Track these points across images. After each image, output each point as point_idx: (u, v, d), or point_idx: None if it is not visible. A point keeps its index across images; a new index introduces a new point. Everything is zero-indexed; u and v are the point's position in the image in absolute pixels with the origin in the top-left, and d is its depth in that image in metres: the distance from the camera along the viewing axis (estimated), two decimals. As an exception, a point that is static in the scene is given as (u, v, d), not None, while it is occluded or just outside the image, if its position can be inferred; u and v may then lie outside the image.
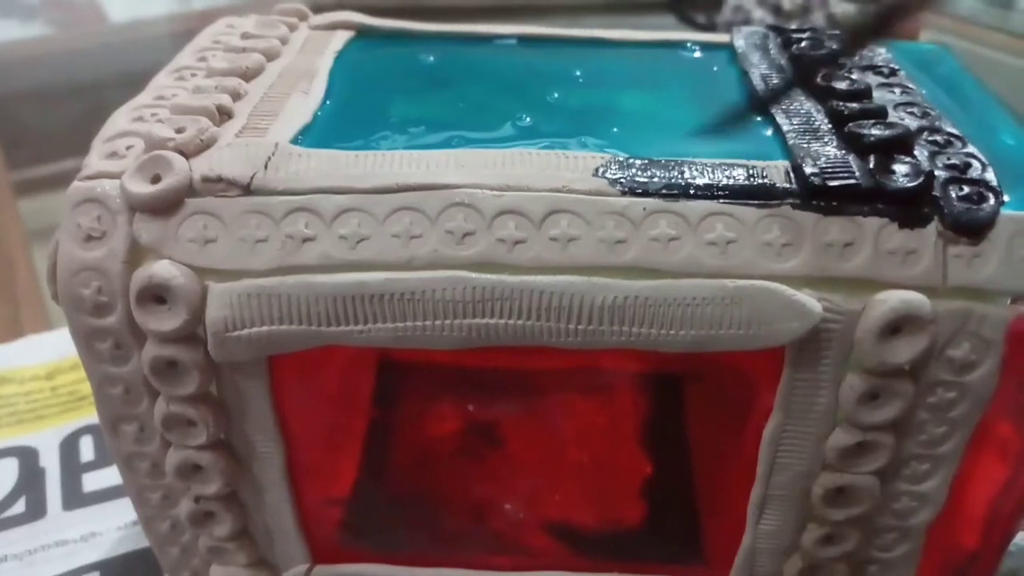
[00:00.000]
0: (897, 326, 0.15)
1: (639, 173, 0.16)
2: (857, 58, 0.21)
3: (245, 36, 0.21)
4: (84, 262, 0.15)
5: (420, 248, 0.15)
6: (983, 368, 0.16)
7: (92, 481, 0.25)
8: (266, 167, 0.16)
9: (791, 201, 0.15)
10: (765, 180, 0.16)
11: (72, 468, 0.26)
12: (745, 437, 0.18)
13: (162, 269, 0.15)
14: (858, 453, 0.16)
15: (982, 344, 0.15)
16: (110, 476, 0.25)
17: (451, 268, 0.15)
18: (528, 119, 0.18)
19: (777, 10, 0.57)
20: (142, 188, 0.15)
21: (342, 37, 0.22)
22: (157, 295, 0.15)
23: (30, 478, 0.25)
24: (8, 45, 0.61)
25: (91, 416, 0.27)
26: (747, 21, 0.54)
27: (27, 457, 0.26)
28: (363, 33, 0.22)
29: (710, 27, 0.59)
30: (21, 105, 0.55)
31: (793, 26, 0.22)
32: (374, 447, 0.24)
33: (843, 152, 0.16)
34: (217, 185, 0.16)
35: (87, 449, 0.26)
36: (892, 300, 0.15)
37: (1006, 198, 0.16)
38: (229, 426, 0.17)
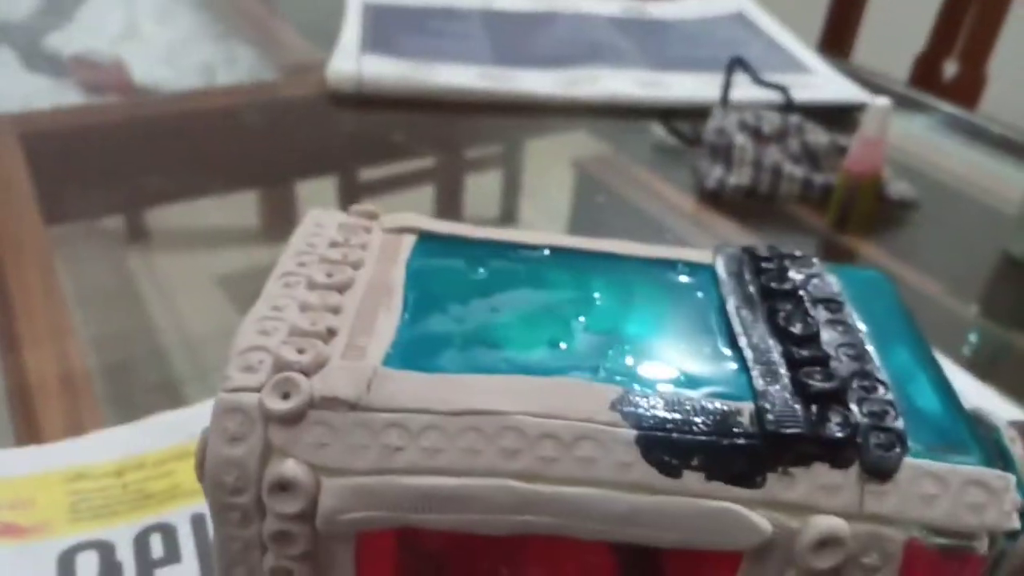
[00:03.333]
0: (824, 542, 0.21)
1: (644, 408, 0.21)
2: (812, 290, 0.26)
3: (334, 244, 0.26)
4: (228, 458, 0.21)
5: (480, 461, 0.21)
6: (886, 571, 0.21)
7: (164, 576, 0.30)
8: (368, 389, 0.21)
9: (754, 442, 0.21)
10: (738, 420, 0.21)
11: (145, 563, 0.30)
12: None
13: (289, 468, 0.20)
14: (794, 623, 0.22)
15: (885, 555, 0.21)
16: (179, 572, 0.30)
17: (502, 477, 0.21)
18: (560, 343, 0.24)
19: (757, 134, 0.63)
20: (276, 405, 0.21)
21: (408, 243, 0.27)
22: (283, 486, 0.20)
23: (110, 571, 0.30)
24: (45, 114, 0.66)
25: (159, 514, 0.32)
26: (729, 146, 0.60)
27: (106, 551, 0.31)
28: (423, 237, 0.27)
29: (695, 140, 0.66)
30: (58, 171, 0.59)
31: (763, 253, 0.28)
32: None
33: (793, 400, 0.22)
34: (332, 402, 0.21)
35: (157, 546, 0.31)
36: (821, 524, 0.20)
37: (910, 445, 0.21)
38: (319, 574, 0.22)
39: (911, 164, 0.68)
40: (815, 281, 0.27)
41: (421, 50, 0.77)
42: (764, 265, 0.27)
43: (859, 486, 0.21)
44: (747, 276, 0.27)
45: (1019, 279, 0.55)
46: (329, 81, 0.69)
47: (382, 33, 0.79)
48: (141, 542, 0.31)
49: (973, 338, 0.49)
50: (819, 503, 0.21)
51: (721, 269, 0.27)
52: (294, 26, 0.89)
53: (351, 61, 0.71)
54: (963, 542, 0.21)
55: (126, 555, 0.31)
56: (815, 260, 0.28)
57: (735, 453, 0.21)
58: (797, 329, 0.24)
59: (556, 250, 0.28)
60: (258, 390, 0.21)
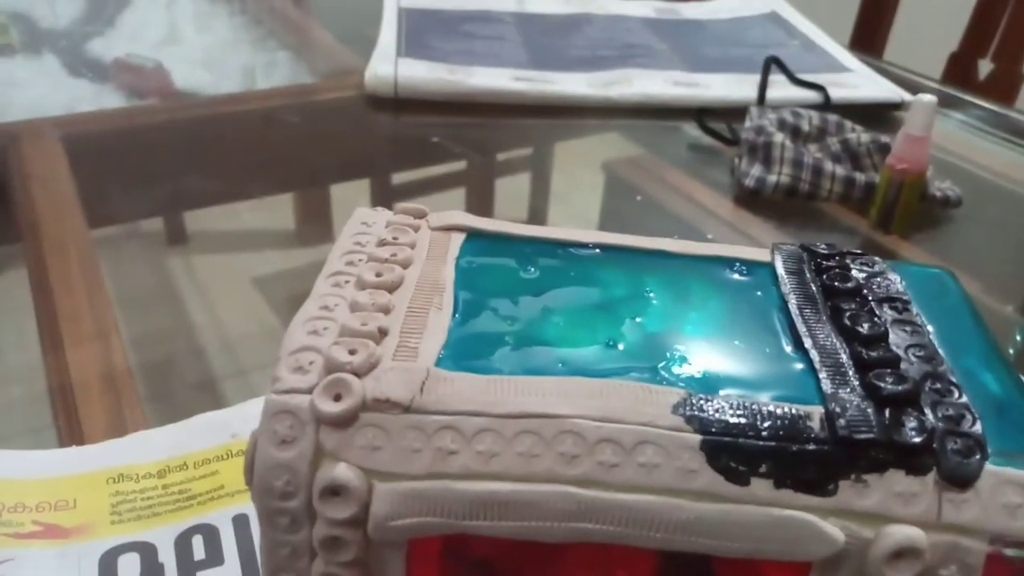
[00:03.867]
0: (900, 552, 0.20)
1: (708, 412, 0.20)
2: (876, 288, 0.25)
3: (382, 243, 0.25)
4: (278, 461, 0.20)
5: (538, 465, 0.20)
6: (965, 583, 0.20)
7: (206, 580, 0.30)
8: (421, 390, 0.20)
9: (826, 447, 0.20)
10: (808, 425, 0.20)
11: (186, 565, 0.30)
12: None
13: (341, 472, 0.20)
14: (865, 638, 0.21)
15: (965, 567, 0.20)
16: (221, 574, 0.29)
17: (561, 483, 0.20)
18: (616, 342, 0.23)
19: (796, 132, 0.62)
20: (328, 407, 0.20)
21: (457, 241, 0.26)
22: (335, 490, 0.20)
23: (151, 573, 0.30)
24: (87, 116, 0.66)
25: (200, 516, 0.32)
26: (768, 143, 0.59)
27: (147, 552, 0.30)
28: (472, 235, 0.27)
29: (734, 141, 0.64)
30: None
31: (824, 250, 0.27)
32: None
33: (865, 404, 0.21)
34: (385, 404, 0.20)
35: (199, 548, 0.31)
36: (897, 534, 0.19)
37: (990, 450, 0.20)
38: (369, 582, 0.22)
39: (951, 162, 0.67)
40: (879, 280, 0.26)
41: (456, 53, 0.76)
42: (825, 263, 0.26)
43: (937, 494, 0.20)
44: (808, 275, 0.26)
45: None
46: (367, 84, 0.69)
47: (418, 37, 0.79)
48: (183, 543, 0.31)
49: (1019, 337, 0.48)
50: (894, 512, 0.20)
51: (780, 267, 0.26)
52: (332, 32, 0.89)
53: (388, 64, 0.71)
54: (1047, 556, 0.20)
55: (167, 557, 0.30)
56: (877, 259, 0.27)
57: (805, 459, 0.20)
58: (864, 329, 0.23)
59: (607, 248, 0.27)
60: (309, 392, 0.20)
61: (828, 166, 0.58)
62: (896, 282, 0.26)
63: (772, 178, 0.58)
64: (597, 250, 0.27)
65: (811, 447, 0.20)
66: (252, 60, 0.81)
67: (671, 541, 0.20)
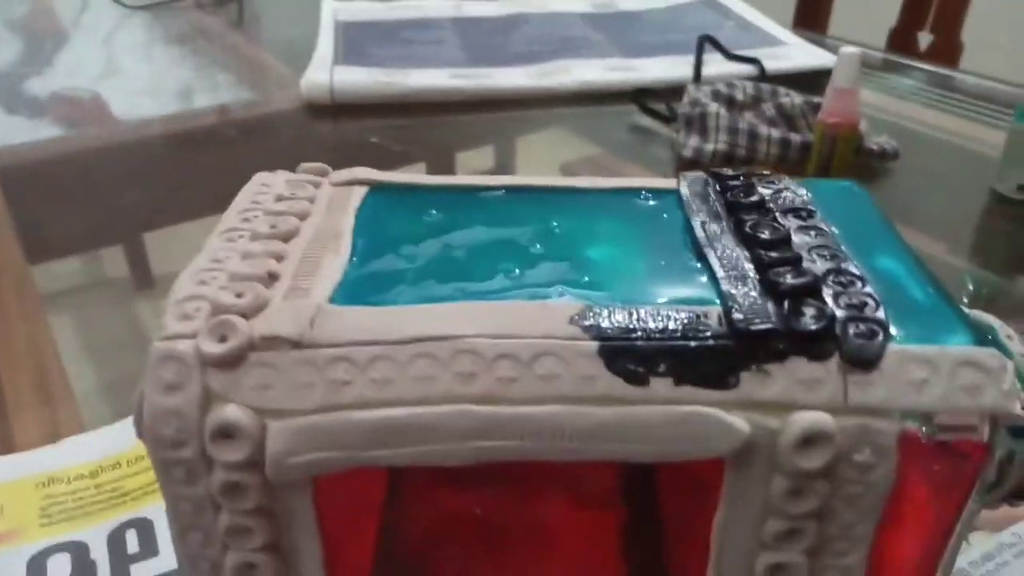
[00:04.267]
0: (809, 439, 0.19)
1: (606, 320, 0.20)
2: (781, 201, 0.25)
3: (279, 198, 0.25)
4: (166, 407, 0.19)
5: (435, 388, 0.19)
6: (882, 468, 0.20)
7: (139, 572, 0.29)
8: (312, 325, 0.20)
9: (724, 341, 0.20)
10: (704, 323, 0.20)
11: (120, 560, 0.29)
12: (705, 519, 0.23)
13: (231, 412, 0.19)
14: (789, 537, 0.21)
15: (879, 450, 0.19)
16: (156, 566, 0.29)
17: (460, 403, 0.19)
18: (517, 271, 0.22)
19: (731, 102, 0.62)
20: (213, 348, 0.19)
21: (359, 193, 0.26)
22: (227, 432, 0.19)
23: (82, 571, 0.29)
24: (23, 147, 0.65)
25: (134, 511, 0.31)
26: (703, 114, 0.59)
27: (78, 552, 0.30)
28: (375, 188, 0.26)
29: (671, 117, 0.65)
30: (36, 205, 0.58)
31: (728, 172, 0.27)
32: (386, 539, 0.28)
33: (763, 299, 0.21)
34: (273, 342, 0.20)
35: (132, 541, 0.30)
36: (803, 420, 0.19)
37: (893, 332, 0.20)
38: (279, 532, 0.21)
39: (891, 121, 0.67)
40: (784, 193, 0.26)
41: (394, 58, 0.77)
42: (730, 183, 0.26)
43: (842, 378, 0.19)
44: (712, 196, 0.26)
45: (1007, 216, 0.53)
46: (303, 92, 0.69)
47: (355, 46, 0.79)
48: (116, 539, 0.30)
49: (968, 282, 0.48)
50: (799, 399, 0.19)
51: (685, 190, 0.26)
52: (272, 54, 0.89)
53: (324, 72, 0.71)
54: (962, 431, 0.20)
55: (100, 554, 0.29)
56: (785, 177, 0.27)
57: (703, 355, 0.19)
58: (766, 234, 0.23)
59: (513, 189, 0.27)
60: (194, 337, 0.20)
61: (763, 130, 0.58)
62: (802, 195, 0.26)
63: (709, 147, 0.58)
64: (503, 191, 0.26)
65: (709, 342, 0.20)
66: (192, 85, 0.80)
67: (577, 450, 0.19)
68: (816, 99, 0.60)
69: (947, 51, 1.15)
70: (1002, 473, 0.22)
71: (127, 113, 0.75)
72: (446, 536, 0.27)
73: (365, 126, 0.68)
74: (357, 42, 0.80)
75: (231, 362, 0.19)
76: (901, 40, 1.18)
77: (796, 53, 0.78)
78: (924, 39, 1.18)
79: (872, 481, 0.20)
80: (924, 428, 0.20)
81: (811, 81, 0.72)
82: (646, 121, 0.68)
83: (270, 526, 0.21)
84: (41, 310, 0.44)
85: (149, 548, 0.29)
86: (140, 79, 0.82)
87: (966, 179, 0.59)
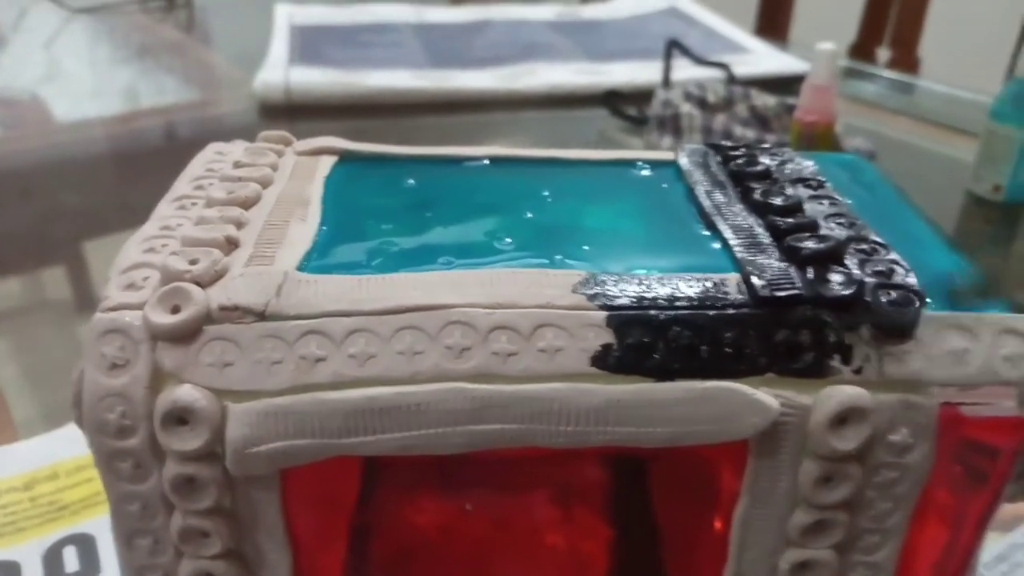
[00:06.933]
0: (843, 417, 0.17)
1: (614, 288, 0.18)
2: (787, 172, 0.23)
3: (238, 164, 0.22)
4: (109, 389, 0.17)
5: (423, 363, 0.17)
6: (920, 449, 0.18)
7: (78, 593, 0.25)
8: (278, 294, 0.17)
9: (746, 311, 0.18)
10: (724, 291, 0.18)
11: (56, 581, 0.26)
12: (713, 519, 0.20)
13: (184, 393, 0.16)
14: (817, 530, 0.18)
15: (917, 429, 0.17)
16: (96, 587, 0.26)
17: (451, 380, 0.17)
18: (508, 238, 0.20)
19: (703, 103, 0.61)
20: (163, 319, 0.17)
21: (327, 162, 0.23)
22: (180, 417, 0.16)
23: (12, 594, 0.26)
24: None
25: (73, 525, 0.28)
26: (676, 115, 0.58)
27: (9, 572, 0.26)
28: (345, 157, 0.24)
29: (641, 120, 0.63)
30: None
31: (729, 144, 0.25)
32: (358, 545, 0.25)
33: (785, 265, 0.19)
34: (234, 313, 0.17)
35: (71, 560, 0.27)
36: (838, 395, 0.17)
37: (928, 300, 0.18)
38: (240, 536, 0.18)
39: (862, 126, 0.67)
40: (790, 164, 0.24)
41: (352, 59, 0.74)
42: (732, 154, 0.24)
43: (876, 349, 0.17)
44: (714, 166, 0.24)
45: (985, 218, 0.53)
46: (256, 91, 0.66)
47: (311, 48, 0.77)
48: (52, 557, 0.27)
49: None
50: (831, 372, 0.17)
51: (685, 161, 0.24)
52: (223, 57, 0.86)
53: (278, 71, 0.68)
54: (1003, 407, 0.18)
55: (34, 573, 0.26)
56: (787, 149, 0.25)
57: (725, 325, 0.17)
58: (779, 202, 0.21)
59: (499, 159, 0.24)
60: (142, 307, 0.17)
61: (737, 130, 0.57)
62: (809, 166, 0.24)
63: (683, 146, 0.57)
64: (487, 162, 0.24)
65: (730, 311, 0.17)
66: (138, 87, 0.77)
67: (584, 434, 0.17)
68: (789, 100, 0.59)
69: (906, 66, 1.16)
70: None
71: (68, 115, 0.71)
72: (425, 544, 0.25)
73: (321, 129, 0.65)
74: (313, 44, 0.78)
75: (185, 336, 0.17)
76: (860, 55, 1.19)
77: (763, 60, 0.77)
78: (883, 54, 1.19)
79: (909, 464, 0.18)
80: (965, 403, 0.18)
81: (779, 86, 0.71)
82: (616, 124, 0.67)
83: (230, 529, 0.18)
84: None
85: (90, 566, 0.26)
86: (83, 82, 0.78)
87: (941, 182, 0.58)
